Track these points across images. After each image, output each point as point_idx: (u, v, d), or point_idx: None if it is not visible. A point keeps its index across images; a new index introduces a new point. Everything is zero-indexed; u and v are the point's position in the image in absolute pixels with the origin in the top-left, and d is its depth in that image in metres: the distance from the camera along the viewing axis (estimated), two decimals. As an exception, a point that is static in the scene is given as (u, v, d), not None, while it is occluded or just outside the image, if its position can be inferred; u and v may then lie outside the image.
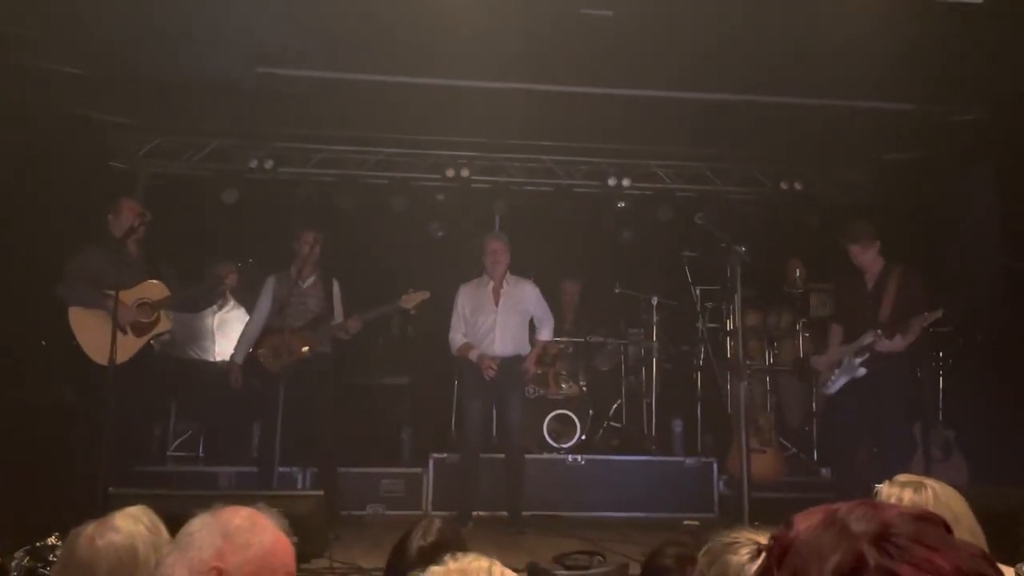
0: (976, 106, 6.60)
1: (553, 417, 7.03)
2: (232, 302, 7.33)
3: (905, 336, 5.56)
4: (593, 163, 8.21)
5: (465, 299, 6.40)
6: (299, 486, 6.31)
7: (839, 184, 8.43)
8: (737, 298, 5.28)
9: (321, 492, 5.12)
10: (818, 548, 0.93)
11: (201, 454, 7.10)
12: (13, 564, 2.39)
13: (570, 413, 7.05)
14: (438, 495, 6.50)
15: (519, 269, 6.60)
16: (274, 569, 1.73)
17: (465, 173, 7.95)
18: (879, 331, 5.60)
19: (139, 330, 5.62)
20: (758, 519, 4.51)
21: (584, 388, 7.47)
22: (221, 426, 7.02)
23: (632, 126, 7.26)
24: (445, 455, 6.60)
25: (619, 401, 7.98)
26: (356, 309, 6.25)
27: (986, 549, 1.39)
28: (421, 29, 5.32)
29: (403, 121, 7.39)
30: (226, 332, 7.19)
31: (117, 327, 5.09)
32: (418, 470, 6.61)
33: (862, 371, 5.67)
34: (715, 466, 6.77)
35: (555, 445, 6.95)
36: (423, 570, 1.63)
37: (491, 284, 6.36)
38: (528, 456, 6.47)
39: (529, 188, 8.39)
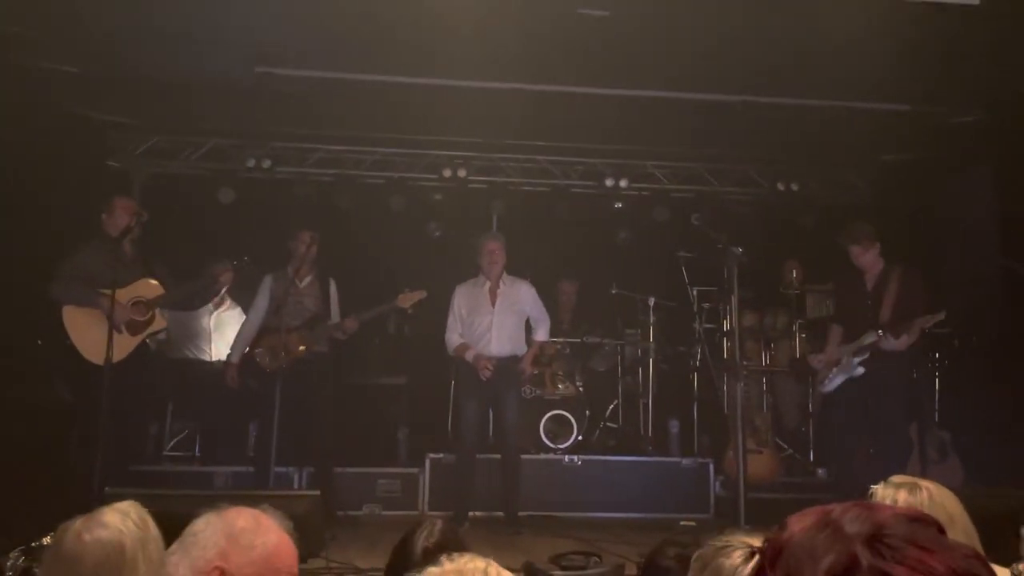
0: (974, 107, 6.61)
1: (549, 417, 7.02)
2: (228, 302, 7.32)
3: (908, 336, 5.58)
4: (590, 163, 8.22)
5: (461, 299, 6.39)
6: (295, 486, 6.29)
7: (837, 185, 8.44)
8: (734, 299, 5.27)
9: (317, 492, 5.10)
10: (811, 549, 0.93)
11: (197, 454, 7.07)
12: (8, 564, 2.39)
13: (566, 413, 7.05)
14: (434, 495, 6.50)
15: (516, 269, 6.60)
16: (277, 570, 1.74)
17: (462, 173, 7.96)
18: (880, 331, 5.61)
19: (134, 329, 5.59)
20: (754, 520, 4.52)
21: (581, 388, 7.46)
22: (218, 426, 7.00)
23: (629, 126, 7.27)
24: (441, 455, 6.59)
25: (616, 402, 8.00)
26: (353, 309, 6.25)
27: (980, 550, 1.39)
28: (419, 29, 5.31)
29: (401, 121, 7.39)
30: (222, 332, 7.18)
31: (113, 326, 5.08)
32: (414, 470, 6.61)
33: (860, 370, 5.69)
34: (711, 467, 6.78)
35: (551, 445, 6.95)
36: (423, 571, 1.63)
37: (487, 284, 6.35)
38: (524, 456, 6.46)
39: (526, 188, 8.40)
